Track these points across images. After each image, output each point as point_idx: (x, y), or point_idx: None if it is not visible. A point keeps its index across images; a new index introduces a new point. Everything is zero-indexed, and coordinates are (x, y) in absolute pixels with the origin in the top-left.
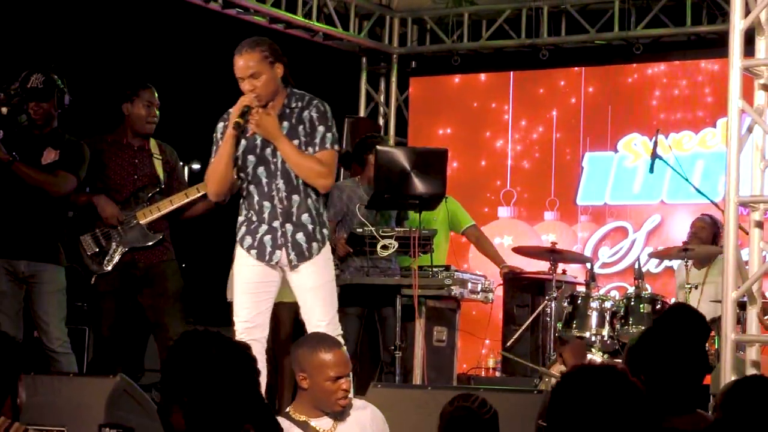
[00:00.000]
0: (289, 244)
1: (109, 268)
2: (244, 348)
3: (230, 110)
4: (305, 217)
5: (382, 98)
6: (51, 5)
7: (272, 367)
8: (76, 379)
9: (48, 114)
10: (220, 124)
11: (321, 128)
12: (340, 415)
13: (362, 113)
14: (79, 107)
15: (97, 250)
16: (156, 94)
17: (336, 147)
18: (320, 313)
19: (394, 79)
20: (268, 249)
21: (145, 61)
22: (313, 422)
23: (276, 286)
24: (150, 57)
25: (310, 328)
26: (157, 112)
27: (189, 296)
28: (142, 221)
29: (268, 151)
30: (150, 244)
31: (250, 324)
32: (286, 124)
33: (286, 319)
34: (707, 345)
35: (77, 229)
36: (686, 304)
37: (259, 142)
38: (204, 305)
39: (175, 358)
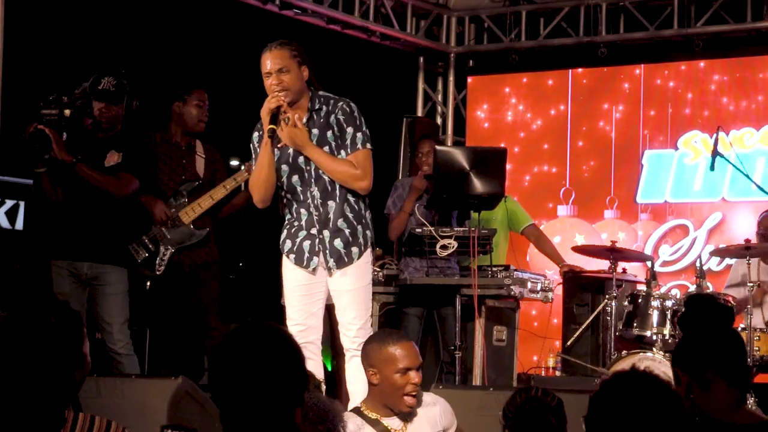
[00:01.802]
0: (328, 251)
1: (161, 270)
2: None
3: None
4: (342, 222)
5: (439, 97)
6: (106, 7)
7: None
8: (139, 381)
9: (115, 117)
10: (255, 134)
11: (350, 129)
12: (408, 415)
13: (420, 113)
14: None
15: (147, 255)
16: (206, 95)
17: (368, 145)
18: (354, 316)
19: (451, 78)
20: (306, 255)
21: (199, 61)
22: (385, 421)
23: (324, 288)
24: (205, 58)
25: (343, 330)
26: (207, 113)
27: (241, 296)
28: (186, 220)
29: (301, 159)
30: (195, 242)
31: (302, 326)
32: (315, 131)
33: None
34: None
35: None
36: (702, 295)
37: (291, 151)
38: (256, 305)
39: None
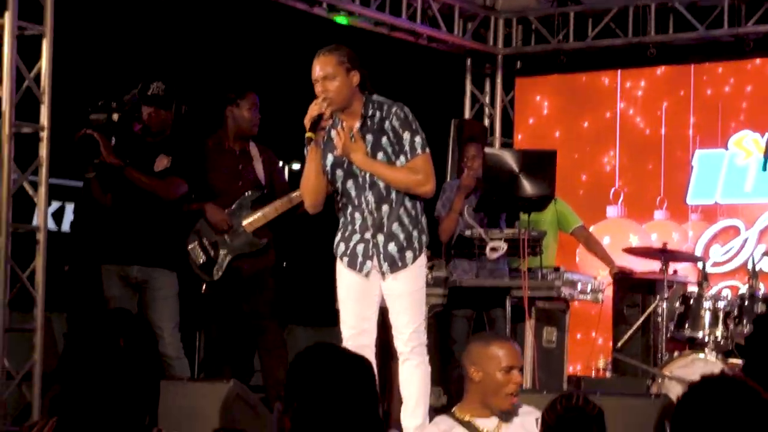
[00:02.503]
0: (381, 255)
1: (219, 276)
2: (367, 365)
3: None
4: (396, 226)
5: (487, 99)
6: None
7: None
8: (191, 385)
9: (164, 122)
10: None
11: (407, 135)
12: (507, 415)
13: (468, 115)
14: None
15: (206, 259)
16: (257, 98)
17: (427, 150)
18: (407, 320)
19: (499, 80)
20: (359, 259)
21: (249, 66)
22: (478, 421)
23: (377, 291)
24: (254, 62)
25: (396, 333)
26: (259, 115)
27: (294, 295)
28: (249, 229)
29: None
30: (256, 251)
31: (356, 330)
32: (370, 137)
33: None
34: None
35: (185, 237)
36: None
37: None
38: (308, 306)
39: (299, 368)
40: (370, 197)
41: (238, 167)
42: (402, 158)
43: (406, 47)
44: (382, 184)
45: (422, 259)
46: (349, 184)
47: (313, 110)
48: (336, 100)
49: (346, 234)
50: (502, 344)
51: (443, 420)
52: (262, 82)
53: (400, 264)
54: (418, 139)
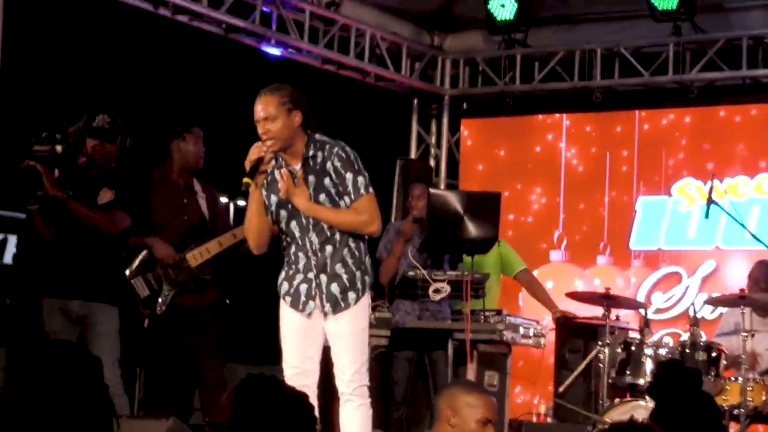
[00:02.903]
0: (324, 295)
1: (162, 310)
2: (307, 402)
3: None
4: (339, 267)
5: (433, 140)
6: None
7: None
8: (130, 422)
9: (108, 155)
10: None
11: (349, 175)
12: None
13: (413, 155)
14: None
15: (149, 293)
16: (201, 132)
17: (371, 189)
18: (349, 361)
19: (445, 120)
20: (302, 299)
21: (194, 99)
22: None
23: (321, 331)
24: (200, 96)
25: (338, 374)
26: (204, 148)
27: (236, 333)
28: (193, 264)
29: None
30: (199, 286)
31: (298, 369)
32: (312, 178)
33: None
34: (764, 394)
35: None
36: (676, 361)
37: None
38: (249, 343)
39: (241, 399)
40: (314, 238)
41: (182, 201)
42: (346, 199)
43: (354, 85)
44: (326, 225)
45: (365, 300)
46: (293, 224)
47: (253, 154)
48: (277, 141)
49: (290, 273)
50: (484, 396)
51: None
52: (208, 118)
53: (342, 305)
54: (360, 179)
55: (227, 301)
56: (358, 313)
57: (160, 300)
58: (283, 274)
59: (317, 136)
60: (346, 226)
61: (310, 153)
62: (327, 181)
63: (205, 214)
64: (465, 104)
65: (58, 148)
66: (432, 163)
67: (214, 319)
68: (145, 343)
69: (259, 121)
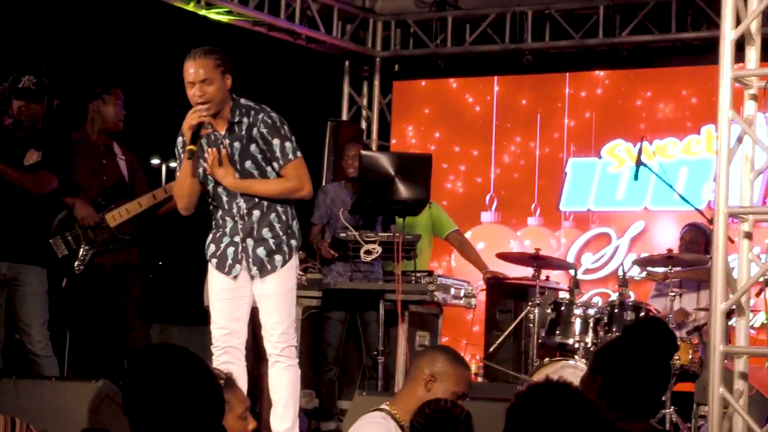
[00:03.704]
0: (251, 259)
1: (80, 270)
2: (205, 366)
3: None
4: (266, 231)
5: (365, 102)
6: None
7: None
8: (59, 384)
9: (35, 116)
10: (179, 139)
11: (276, 141)
12: None
13: (345, 117)
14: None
15: (67, 253)
16: (122, 94)
17: (298, 153)
18: (276, 321)
19: (377, 82)
20: (229, 261)
21: (117, 60)
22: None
23: (248, 292)
24: (126, 57)
25: (265, 335)
26: (124, 111)
27: (166, 295)
28: (112, 224)
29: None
30: (118, 245)
31: (226, 330)
32: (237, 144)
33: None
34: (691, 353)
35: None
36: (659, 318)
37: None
38: (182, 305)
39: (136, 370)
40: (242, 203)
41: (102, 161)
42: (274, 164)
43: (285, 47)
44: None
45: (293, 262)
46: (221, 189)
47: (192, 119)
48: (212, 105)
49: (217, 236)
50: (468, 371)
51: (386, 420)
52: (132, 78)
53: (269, 267)
54: (288, 145)
55: (159, 262)
56: (285, 275)
57: (77, 260)
58: (210, 236)
59: (242, 101)
60: (277, 195)
61: (236, 119)
62: (253, 147)
63: (125, 176)
64: (396, 66)
65: None
66: (363, 125)
67: (137, 279)
68: (69, 304)
69: (194, 83)
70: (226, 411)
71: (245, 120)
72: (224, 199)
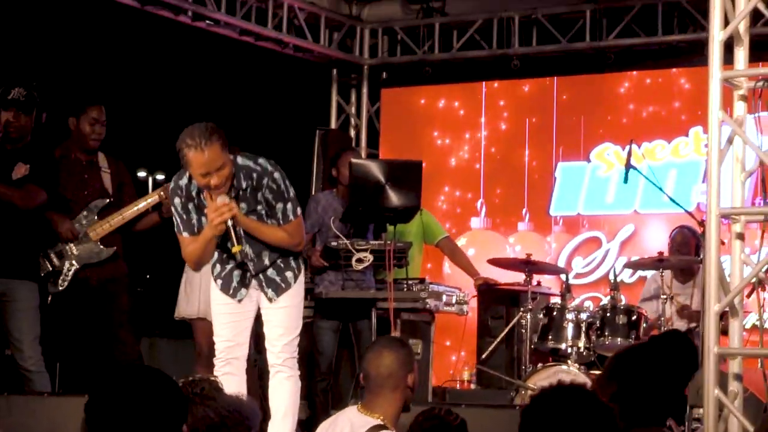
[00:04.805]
0: (264, 284)
1: (64, 286)
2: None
3: (180, 183)
4: (274, 256)
5: (353, 110)
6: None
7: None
8: (51, 399)
9: (24, 128)
10: (177, 200)
11: (280, 205)
12: None
13: (333, 125)
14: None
15: (51, 269)
16: (104, 111)
17: (298, 212)
18: (281, 333)
19: (365, 90)
20: (234, 284)
21: (109, 73)
22: None
23: (253, 306)
24: (116, 69)
25: (269, 346)
26: (103, 129)
27: (155, 309)
28: (95, 238)
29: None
30: (103, 259)
31: (231, 342)
32: (243, 205)
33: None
34: None
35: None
36: (686, 334)
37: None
38: (170, 318)
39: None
40: (249, 250)
41: (83, 176)
42: (274, 221)
43: (272, 57)
44: (253, 241)
45: (302, 277)
46: (228, 244)
47: (224, 215)
48: (226, 186)
49: (224, 257)
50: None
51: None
52: (120, 90)
53: (284, 285)
54: (290, 207)
55: (147, 276)
56: (296, 290)
57: (61, 276)
58: (216, 256)
59: (239, 160)
60: (277, 242)
61: (243, 185)
62: (259, 207)
63: (108, 189)
64: (384, 74)
65: None
66: (352, 133)
67: (125, 292)
68: (56, 320)
69: (209, 173)
70: None
71: (248, 183)
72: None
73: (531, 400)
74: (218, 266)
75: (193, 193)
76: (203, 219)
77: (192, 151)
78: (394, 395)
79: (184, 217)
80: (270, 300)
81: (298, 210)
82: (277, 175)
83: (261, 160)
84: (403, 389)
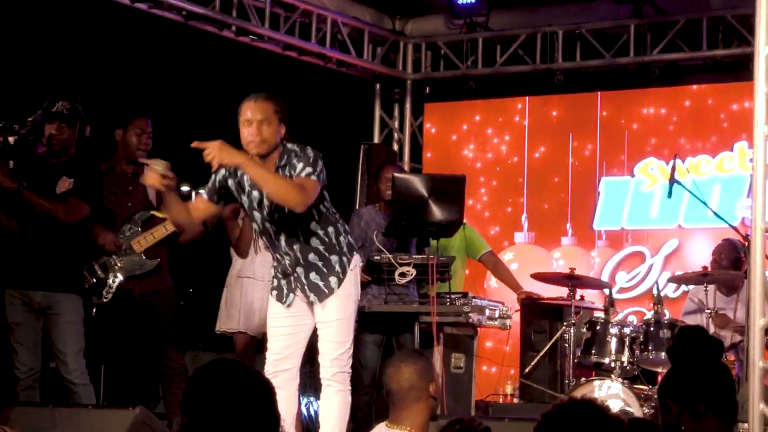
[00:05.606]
0: (306, 287)
1: (108, 298)
2: (265, 382)
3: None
4: (312, 257)
5: (396, 124)
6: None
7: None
8: (95, 412)
9: (67, 141)
10: (223, 170)
11: (300, 164)
12: None
13: (377, 140)
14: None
15: (95, 281)
16: (150, 123)
17: (313, 178)
18: (331, 347)
19: (408, 105)
20: (284, 291)
21: (155, 87)
22: None
23: (309, 320)
24: (162, 84)
25: (321, 360)
26: (150, 141)
27: (198, 322)
28: (138, 250)
29: (267, 224)
30: (147, 271)
31: (280, 355)
32: None
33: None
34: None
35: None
36: (697, 326)
37: (258, 214)
38: (213, 331)
39: (194, 382)
40: (282, 243)
41: (127, 188)
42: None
43: (316, 71)
44: (286, 230)
45: (349, 281)
46: (264, 238)
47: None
48: (264, 144)
49: (277, 268)
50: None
51: None
52: (164, 105)
53: (326, 291)
54: (309, 168)
55: (190, 289)
56: (343, 300)
57: (105, 288)
58: (272, 270)
59: (289, 145)
60: (278, 189)
61: (282, 163)
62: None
63: (152, 201)
64: (427, 88)
65: (11, 139)
66: (395, 147)
67: (169, 304)
68: (99, 333)
69: (252, 122)
70: None
71: (286, 158)
72: (270, 236)
73: (542, 416)
74: (274, 280)
75: (239, 173)
76: (243, 198)
77: (246, 101)
78: (418, 406)
79: (213, 179)
80: (311, 304)
81: (314, 177)
82: (310, 150)
83: (307, 148)
84: (426, 399)
